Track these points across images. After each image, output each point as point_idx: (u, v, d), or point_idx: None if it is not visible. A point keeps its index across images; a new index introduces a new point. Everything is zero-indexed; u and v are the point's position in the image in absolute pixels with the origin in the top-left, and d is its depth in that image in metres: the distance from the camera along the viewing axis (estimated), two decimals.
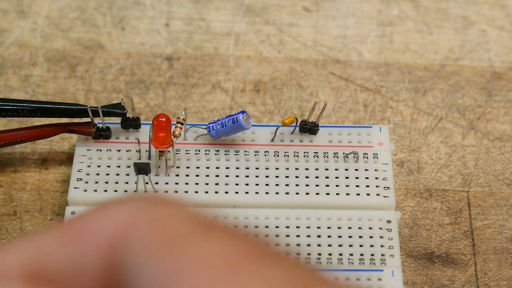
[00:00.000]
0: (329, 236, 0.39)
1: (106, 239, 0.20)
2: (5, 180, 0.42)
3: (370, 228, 0.39)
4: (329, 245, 0.38)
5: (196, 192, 0.40)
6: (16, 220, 0.41)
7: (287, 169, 0.41)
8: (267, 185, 0.40)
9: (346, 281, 0.37)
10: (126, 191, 0.40)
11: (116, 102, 0.41)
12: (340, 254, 0.38)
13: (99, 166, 0.41)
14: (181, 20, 0.49)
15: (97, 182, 0.40)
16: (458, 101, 0.46)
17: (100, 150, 0.41)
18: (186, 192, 0.40)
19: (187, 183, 0.40)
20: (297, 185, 0.40)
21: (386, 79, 0.47)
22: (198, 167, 0.41)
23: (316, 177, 0.40)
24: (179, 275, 0.19)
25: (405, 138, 0.44)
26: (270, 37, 0.49)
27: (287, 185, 0.40)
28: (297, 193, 0.40)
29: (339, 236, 0.39)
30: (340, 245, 0.38)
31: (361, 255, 0.38)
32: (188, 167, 0.41)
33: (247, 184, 0.40)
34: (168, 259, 0.19)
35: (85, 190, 0.40)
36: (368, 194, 0.40)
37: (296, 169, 0.41)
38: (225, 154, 0.41)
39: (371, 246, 0.38)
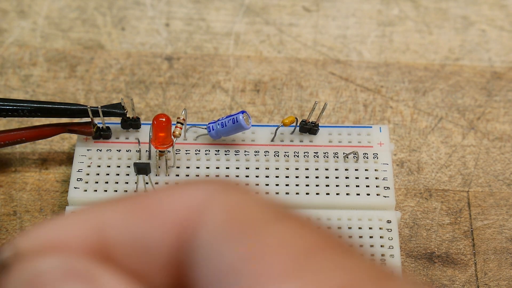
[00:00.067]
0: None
1: (179, 218, 0.20)
2: (5, 180, 0.42)
3: (370, 228, 0.39)
4: None
5: None
6: (16, 220, 0.41)
7: (287, 169, 0.41)
8: (267, 185, 0.40)
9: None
10: (126, 191, 0.40)
11: (116, 102, 0.41)
12: None
13: (99, 166, 0.41)
14: (181, 20, 0.49)
15: (97, 182, 0.40)
16: (458, 101, 0.46)
17: (100, 150, 0.41)
18: None
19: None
20: (297, 185, 0.40)
21: (386, 79, 0.47)
22: (198, 167, 0.41)
23: (316, 177, 0.40)
24: (253, 260, 0.19)
25: (405, 138, 0.44)
26: (270, 37, 0.49)
27: (287, 185, 0.40)
28: (297, 193, 0.40)
29: (339, 236, 0.39)
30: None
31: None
32: (188, 167, 0.41)
33: (247, 184, 0.40)
34: (242, 243, 0.19)
35: (85, 190, 0.40)
36: (368, 194, 0.40)
37: (296, 169, 0.41)
38: (225, 154, 0.41)
39: (371, 246, 0.38)
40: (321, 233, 0.20)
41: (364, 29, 0.49)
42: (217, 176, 0.40)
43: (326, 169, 0.41)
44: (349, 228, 0.39)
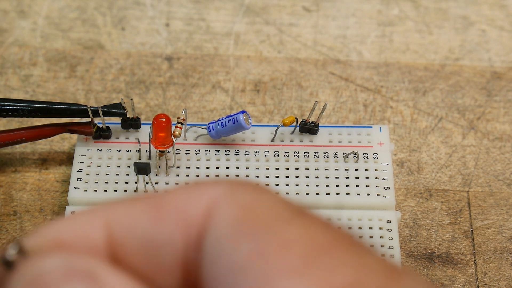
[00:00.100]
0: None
1: (189, 219, 0.20)
2: (5, 180, 0.42)
3: (370, 228, 0.39)
4: None
5: None
6: (16, 220, 0.41)
7: (287, 169, 0.41)
8: (267, 185, 0.40)
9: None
10: (126, 191, 0.40)
11: (116, 102, 0.41)
12: None
13: (99, 166, 0.41)
14: (181, 20, 0.49)
15: (97, 182, 0.40)
16: (458, 101, 0.46)
17: (100, 150, 0.41)
18: None
19: (187, 183, 0.40)
20: (297, 185, 0.40)
21: (386, 79, 0.47)
22: (198, 167, 0.41)
23: (316, 177, 0.40)
24: (262, 258, 0.19)
25: (405, 138, 0.44)
26: (270, 37, 0.49)
27: (287, 185, 0.40)
28: (297, 193, 0.40)
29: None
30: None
31: None
32: (188, 167, 0.41)
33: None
34: (251, 242, 0.19)
35: (85, 190, 0.40)
36: (368, 194, 0.40)
37: (296, 169, 0.41)
38: (225, 154, 0.41)
39: (371, 246, 0.38)
40: (331, 232, 0.20)
41: (364, 29, 0.49)
42: (217, 176, 0.40)
43: (326, 169, 0.41)
44: (349, 228, 0.39)
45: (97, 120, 0.41)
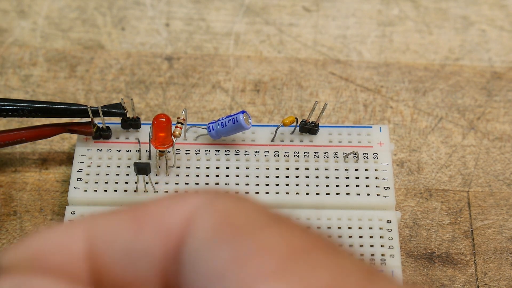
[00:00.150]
0: (329, 236, 0.39)
1: (169, 228, 0.20)
2: (5, 180, 0.42)
3: (370, 228, 0.39)
4: None
5: None
6: (16, 220, 0.41)
7: (287, 169, 0.41)
8: (267, 185, 0.40)
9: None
10: (126, 191, 0.40)
11: (116, 102, 0.41)
12: None
13: (99, 166, 0.41)
14: (181, 20, 0.49)
15: (97, 182, 0.40)
16: (458, 101, 0.46)
17: (100, 150, 0.41)
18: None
19: (187, 183, 0.40)
20: (297, 185, 0.40)
21: (386, 79, 0.47)
22: (198, 167, 0.41)
23: (316, 177, 0.40)
24: (239, 264, 0.19)
25: (405, 138, 0.44)
26: (270, 37, 0.49)
27: (287, 185, 0.40)
28: (297, 193, 0.40)
29: (339, 236, 0.39)
30: (340, 245, 0.38)
31: (361, 255, 0.38)
32: (188, 167, 0.41)
33: (247, 184, 0.40)
34: (228, 249, 0.19)
35: (85, 190, 0.40)
36: (368, 194, 0.40)
37: (296, 169, 0.41)
38: (225, 154, 0.41)
39: (371, 246, 0.38)
40: (309, 236, 0.20)
41: (364, 29, 0.49)
42: (217, 176, 0.40)
43: (326, 169, 0.41)
44: (349, 228, 0.39)
45: (97, 120, 0.41)
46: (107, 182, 0.40)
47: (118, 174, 0.40)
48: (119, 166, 0.41)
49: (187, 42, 0.48)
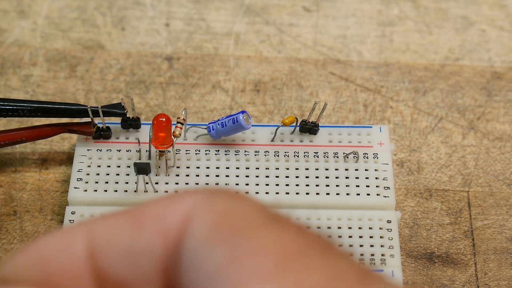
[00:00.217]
0: (329, 236, 0.39)
1: (167, 228, 0.20)
2: (5, 180, 0.42)
3: (370, 228, 0.39)
4: None
5: None
6: (16, 220, 0.41)
7: (287, 169, 0.41)
8: (267, 185, 0.40)
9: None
10: (126, 191, 0.40)
11: (116, 102, 0.41)
12: None
13: (99, 166, 0.41)
14: (181, 20, 0.49)
15: (97, 182, 0.40)
16: (458, 101, 0.46)
17: (100, 150, 0.41)
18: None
19: (187, 183, 0.40)
20: (297, 185, 0.40)
21: (386, 79, 0.47)
22: (198, 167, 0.41)
23: (316, 177, 0.40)
24: (235, 263, 0.19)
25: (405, 138, 0.44)
26: (270, 37, 0.49)
27: (287, 185, 0.40)
28: (297, 193, 0.40)
29: (339, 236, 0.39)
30: (340, 245, 0.38)
31: (361, 255, 0.38)
32: (188, 167, 0.41)
33: (247, 184, 0.40)
34: (225, 248, 0.19)
35: (85, 190, 0.40)
36: (368, 194, 0.40)
37: (296, 169, 0.41)
38: (225, 154, 0.41)
39: (371, 246, 0.38)
40: (305, 237, 0.20)
41: (364, 29, 0.49)
42: (217, 176, 0.40)
43: (326, 169, 0.41)
44: (349, 228, 0.39)
45: (97, 120, 0.41)
46: (107, 182, 0.40)
47: (118, 174, 0.40)
48: (119, 166, 0.41)
49: (187, 42, 0.48)
